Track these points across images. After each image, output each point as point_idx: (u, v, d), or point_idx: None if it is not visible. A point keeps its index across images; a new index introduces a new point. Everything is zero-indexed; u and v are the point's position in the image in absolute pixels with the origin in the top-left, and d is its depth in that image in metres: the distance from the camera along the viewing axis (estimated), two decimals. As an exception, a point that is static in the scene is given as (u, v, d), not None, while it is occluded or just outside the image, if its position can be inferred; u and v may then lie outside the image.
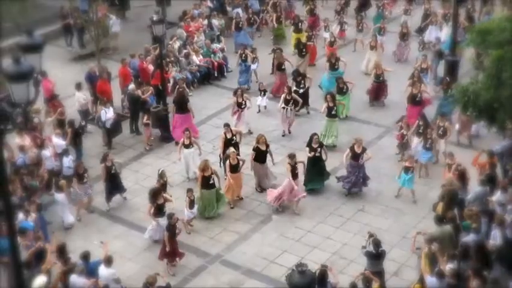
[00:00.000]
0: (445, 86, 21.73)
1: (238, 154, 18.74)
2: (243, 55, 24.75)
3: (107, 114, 21.03)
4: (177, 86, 22.57)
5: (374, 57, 25.22)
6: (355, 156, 18.43)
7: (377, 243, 14.66)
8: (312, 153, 18.62)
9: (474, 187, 16.77)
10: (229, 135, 19.36)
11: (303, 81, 22.82)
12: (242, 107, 21.50)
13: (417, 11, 29.83)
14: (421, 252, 14.75)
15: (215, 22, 28.39)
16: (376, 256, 14.69)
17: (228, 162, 18.34)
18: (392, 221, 17.84)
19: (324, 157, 18.76)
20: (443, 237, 14.91)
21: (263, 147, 18.78)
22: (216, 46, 26.43)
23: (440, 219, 15.42)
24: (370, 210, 18.31)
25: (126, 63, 23.78)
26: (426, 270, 14.15)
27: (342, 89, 22.29)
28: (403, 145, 20.00)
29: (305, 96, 22.68)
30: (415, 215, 17.83)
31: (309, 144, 18.83)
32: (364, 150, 18.49)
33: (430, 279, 13.80)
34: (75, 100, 21.85)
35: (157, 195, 16.98)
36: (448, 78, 22.19)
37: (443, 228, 15.20)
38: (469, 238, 14.65)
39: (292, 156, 17.97)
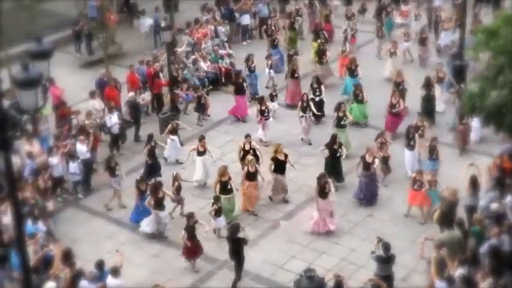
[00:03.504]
0: (458, 94, 21.68)
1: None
2: (252, 66, 24.59)
3: (112, 119, 21.12)
4: (235, 71, 24.09)
5: (394, 64, 24.95)
6: (367, 166, 18.37)
7: (387, 247, 14.64)
8: (333, 153, 18.80)
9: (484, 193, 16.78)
10: (247, 147, 19.29)
11: (318, 89, 22.69)
12: (265, 115, 21.49)
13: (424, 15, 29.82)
14: (431, 258, 14.73)
15: (221, 29, 28.42)
16: (386, 260, 14.67)
17: (245, 169, 18.27)
18: (401, 226, 17.79)
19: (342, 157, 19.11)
20: (453, 242, 14.86)
21: (281, 157, 18.65)
22: (222, 51, 26.49)
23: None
24: (379, 216, 18.28)
25: (134, 70, 23.88)
26: (435, 275, 14.12)
27: (357, 96, 22.21)
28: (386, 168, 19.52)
29: (320, 105, 22.51)
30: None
31: (330, 145, 18.92)
32: (375, 159, 18.41)
33: (440, 284, 13.76)
34: (91, 108, 21.75)
35: (158, 189, 17.33)
36: (462, 86, 22.07)
37: (452, 233, 15.17)
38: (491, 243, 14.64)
39: (322, 176, 17.64)
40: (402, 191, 18.73)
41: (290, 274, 16.00)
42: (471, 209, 16.51)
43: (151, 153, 19.63)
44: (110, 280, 14.48)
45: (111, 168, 18.75)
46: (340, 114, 20.56)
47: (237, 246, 15.70)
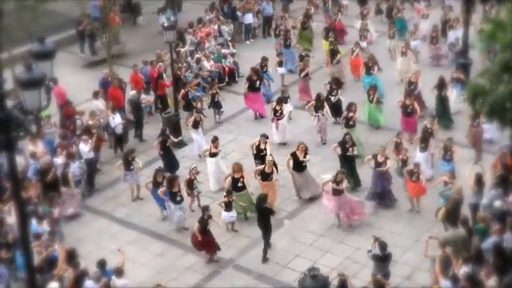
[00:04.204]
0: None
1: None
2: (265, 67, 24.42)
3: (115, 119, 21.13)
4: (252, 67, 23.57)
5: (406, 64, 24.84)
6: (377, 165, 18.28)
7: (383, 246, 14.64)
8: (344, 152, 18.74)
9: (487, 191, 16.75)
10: (262, 146, 19.26)
11: (336, 91, 22.52)
12: (277, 114, 21.29)
13: (433, 14, 29.71)
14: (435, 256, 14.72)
15: (225, 28, 28.40)
16: (383, 259, 14.67)
17: (261, 167, 18.28)
18: (405, 224, 17.79)
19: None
20: (457, 240, 14.86)
21: (300, 155, 18.56)
22: (225, 51, 26.50)
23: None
24: (383, 214, 18.26)
25: (137, 70, 23.88)
26: (440, 274, 14.11)
27: (369, 96, 22.02)
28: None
29: (337, 106, 22.35)
30: (427, 219, 17.75)
31: (342, 144, 18.88)
32: (386, 159, 18.26)
33: (445, 283, 13.76)
34: (94, 108, 21.72)
35: (173, 182, 17.43)
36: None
37: (457, 231, 15.17)
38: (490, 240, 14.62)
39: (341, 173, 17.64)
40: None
41: (294, 273, 16.01)
42: (475, 207, 16.51)
43: (163, 146, 19.77)
44: (115, 281, 14.53)
45: (127, 162, 18.88)
46: (350, 114, 20.52)
47: (264, 216, 16.43)
